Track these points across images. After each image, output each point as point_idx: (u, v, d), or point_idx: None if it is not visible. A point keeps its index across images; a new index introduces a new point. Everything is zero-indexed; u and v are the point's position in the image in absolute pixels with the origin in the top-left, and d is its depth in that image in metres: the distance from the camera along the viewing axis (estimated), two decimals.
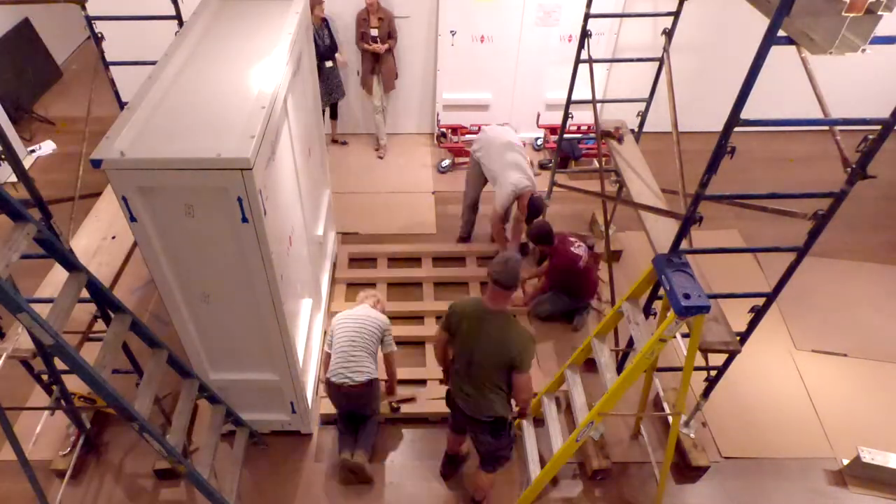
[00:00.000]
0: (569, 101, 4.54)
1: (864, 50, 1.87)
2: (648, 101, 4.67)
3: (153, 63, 3.61)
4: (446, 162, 6.33)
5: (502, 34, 6.03)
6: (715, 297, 3.17)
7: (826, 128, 2.49)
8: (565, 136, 4.80)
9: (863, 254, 5.33)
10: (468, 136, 6.48)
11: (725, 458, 3.87)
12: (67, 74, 7.90)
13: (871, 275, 5.13)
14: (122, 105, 4.02)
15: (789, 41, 2.11)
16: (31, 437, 3.88)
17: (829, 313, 4.78)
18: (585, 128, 6.07)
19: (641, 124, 4.81)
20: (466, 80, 6.32)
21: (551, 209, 5.24)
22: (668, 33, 4.11)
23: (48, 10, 7.47)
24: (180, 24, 3.92)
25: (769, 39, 2.00)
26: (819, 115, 2.51)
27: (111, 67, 4.00)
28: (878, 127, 2.24)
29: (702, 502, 3.67)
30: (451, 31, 5.97)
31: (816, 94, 2.44)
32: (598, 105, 4.41)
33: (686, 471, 3.74)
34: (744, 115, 2.26)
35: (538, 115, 6.40)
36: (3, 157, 2.26)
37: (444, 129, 6.45)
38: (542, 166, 6.39)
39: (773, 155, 5.06)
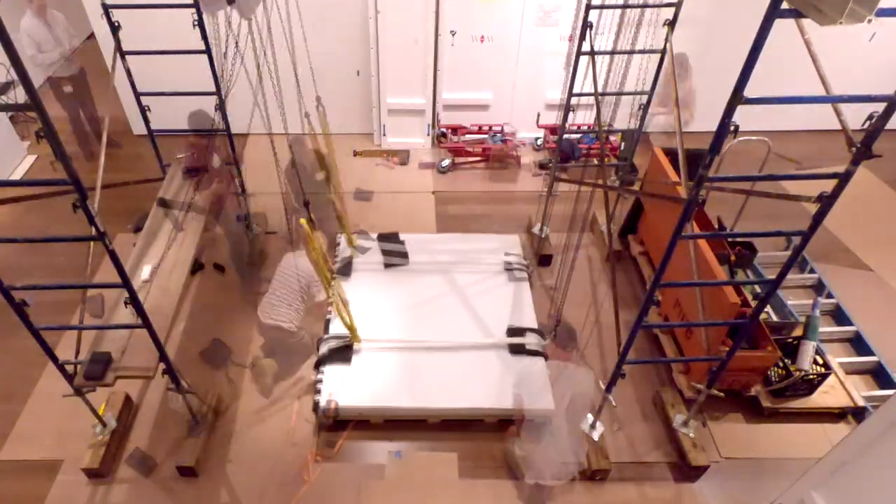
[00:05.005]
0: (569, 95, 4.53)
1: (869, 20, 1.87)
2: (650, 94, 4.67)
3: (170, 52, 3.57)
4: (446, 162, 6.33)
5: (502, 34, 6.03)
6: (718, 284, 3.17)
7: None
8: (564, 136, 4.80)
9: (861, 254, 5.34)
10: (468, 137, 6.49)
11: (725, 458, 3.88)
12: None
13: (871, 283, 5.13)
14: (137, 94, 4.02)
15: (795, 14, 2.09)
16: (34, 435, 3.90)
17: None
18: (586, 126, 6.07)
19: (643, 117, 4.82)
20: (466, 80, 6.32)
21: (552, 209, 5.24)
22: (671, 24, 4.10)
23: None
24: (198, 11, 3.91)
25: (773, 11, 2.00)
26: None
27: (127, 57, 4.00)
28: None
29: (702, 502, 3.67)
30: (451, 31, 5.97)
31: (820, 74, 2.42)
32: (600, 99, 4.40)
33: (686, 471, 3.74)
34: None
35: (538, 115, 6.40)
36: (41, 134, 2.28)
37: (444, 129, 6.45)
38: (542, 166, 6.39)
39: (773, 155, 5.10)
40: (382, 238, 5.12)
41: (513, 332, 4.32)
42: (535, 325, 4.40)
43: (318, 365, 4.11)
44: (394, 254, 4.97)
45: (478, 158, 6.40)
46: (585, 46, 4.19)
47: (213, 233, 5.49)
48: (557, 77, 6.07)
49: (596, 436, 3.78)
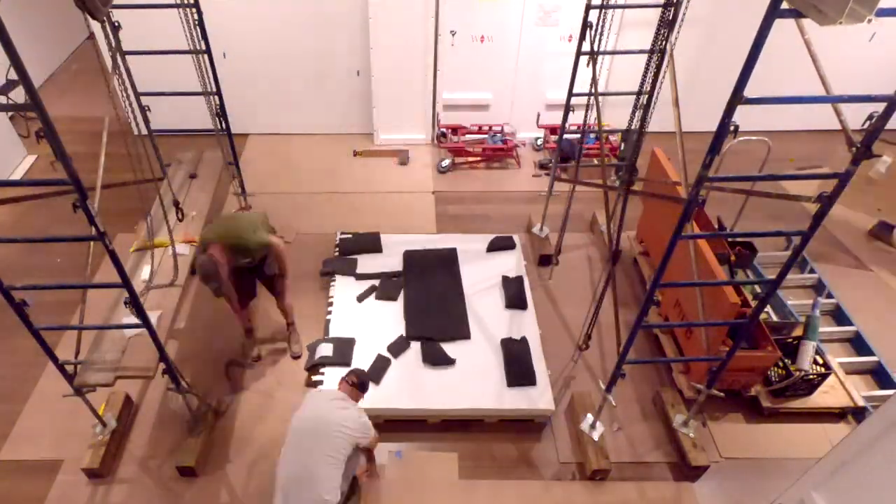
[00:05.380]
0: (569, 95, 4.52)
1: (869, 20, 1.88)
2: (650, 94, 4.66)
3: (170, 52, 3.58)
4: (446, 162, 6.33)
5: (502, 34, 6.03)
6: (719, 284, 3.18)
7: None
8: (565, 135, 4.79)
9: (860, 254, 5.35)
10: (468, 137, 6.50)
11: (725, 458, 3.88)
12: (67, 74, 7.90)
13: (871, 283, 5.13)
14: (136, 94, 4.03)
15: (795, 14, 2.09)
16: (34, 435, 3.90)
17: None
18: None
19: (644, 118, 4.81)
20: (466, 80, 6.32)
21: (550, 209, 5.24)
22: (671, 24, 4.10)
23: (49, 9, 7.47)
24: (198, 11, 3.91)
25: (773, 11, 2.00)
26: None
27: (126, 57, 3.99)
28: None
29: (702, 502, 3.67)
30: (452, 32, 5.98)
31: (820, 74, 2.42)
32: (600, 100, 4.40)
33: (686, 471, 3.74)
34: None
35: (538, 115, 6.40)
36: (41, 134, 2.29)
37: (444, 129, 6.45)
38: (542, 166, 6.39)
39: (773, 155, 5.11)
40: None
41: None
42: (535, 327, 4.40)
43: (314, 367, 4.12)
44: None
45: (478, 158, 6.40)
46: (585, 46, 4.19)
47: None
48: (557, 77, 6.08)
49: (596, 436, 3.79)
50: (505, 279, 4.75)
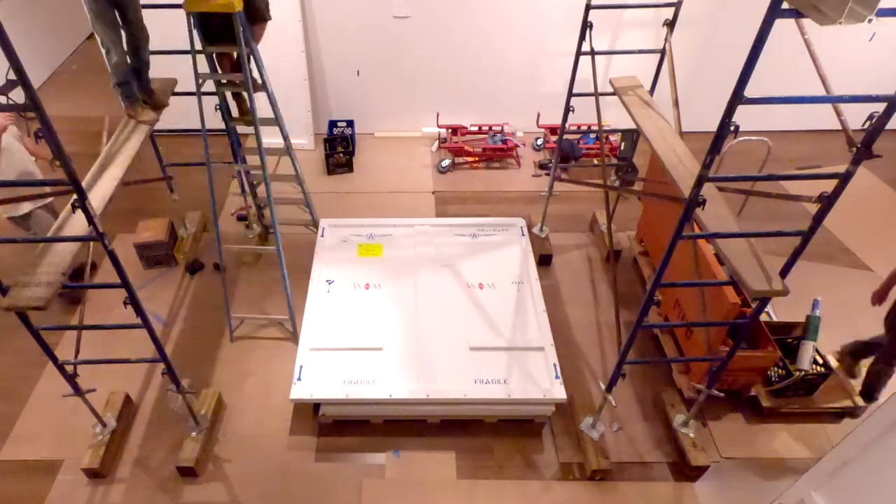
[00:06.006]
0: (569, 95, 4.52)
1: (870, 20, 1.88)
2: (650, 93, 4.67)
3: (174, 52, 3.58)
4: (446, 162, 6.33)
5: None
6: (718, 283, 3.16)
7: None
8: (565, 135, 4.79)
9: (861, 254, 5.35)
10: (468, 137, 6.49)
11: (725, 458, 3.88)
12: (67, 74, 7.89)
13: (871, 283, 5.11)
14: None
15: (795, 14, 2.10)
16: (34, 435, 3.90)
17: (828, 319, 4.75)
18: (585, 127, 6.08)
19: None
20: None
21: (550, 209, 5.23)
22: (671, 24, 4.11)
23: (49, 9, 7.47)
24: None
25: (773, 12, 2.00)
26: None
27: None
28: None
29: (702, 502, 3.67)
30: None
31: (820, 74, 2.42)
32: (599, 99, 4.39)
33: (686, 471, 3.74)
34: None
35: (538, 115, 6.39)
36: (41, 135, 2.30)
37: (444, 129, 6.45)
38: (542, 166, 6.39)
39: (773, 155, 5.13)
40: None
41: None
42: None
43: None
44: None
45: (477, 158, 6.40)
46: (585, 46, 4.19)
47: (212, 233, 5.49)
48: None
49: (596, 436, 3.79)
50: None
